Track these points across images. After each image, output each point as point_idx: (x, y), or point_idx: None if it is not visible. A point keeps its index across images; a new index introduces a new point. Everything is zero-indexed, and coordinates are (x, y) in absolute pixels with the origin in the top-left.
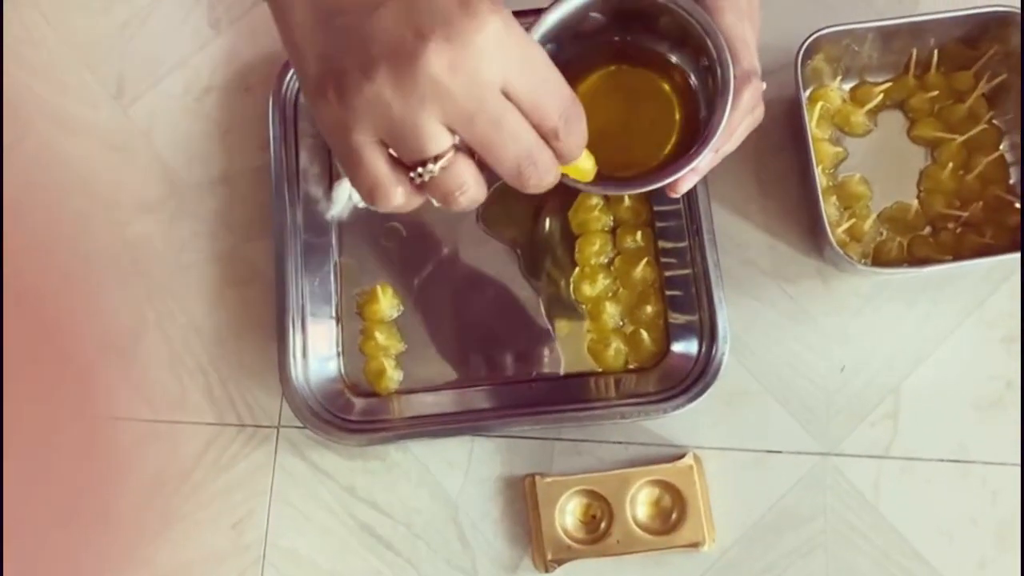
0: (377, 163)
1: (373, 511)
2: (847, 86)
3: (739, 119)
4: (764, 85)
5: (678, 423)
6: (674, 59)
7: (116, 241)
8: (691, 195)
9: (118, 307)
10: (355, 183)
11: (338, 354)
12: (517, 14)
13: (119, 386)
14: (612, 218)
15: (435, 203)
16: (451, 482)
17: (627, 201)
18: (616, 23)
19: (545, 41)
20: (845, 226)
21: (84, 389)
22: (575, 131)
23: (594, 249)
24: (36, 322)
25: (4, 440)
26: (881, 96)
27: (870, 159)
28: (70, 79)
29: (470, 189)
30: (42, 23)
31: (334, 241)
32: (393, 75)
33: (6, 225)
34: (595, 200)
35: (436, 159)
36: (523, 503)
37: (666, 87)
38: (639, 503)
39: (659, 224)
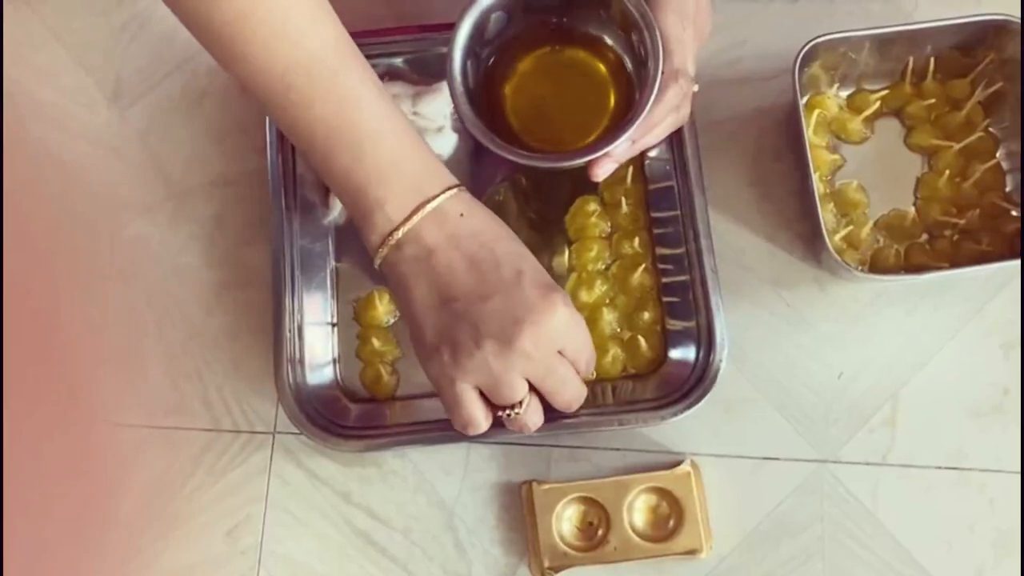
0: (474, 406)
1: (369, 517)
2: (844, 93)
3: (661, 115)
4: (696, 88)
5: (675, 430)
6: (615, 45)
7: (114, 244)
8: (689, 201)
9: (115, 310)
10: (454, 418)
11: (334, 360)
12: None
13: (116, 390)
14: (609, 224)
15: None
16: (447, 489)
17: (624, 207)
18: (565, 3)
19: (495, 8)
20: (842, 233)
21: (82, 393)
22: (591, 369)
23: (591, 255)
24: (32, 326)
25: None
26: (878, 103)
27: (867, 166)
28: (68, 81)
29: (537, 422)
30: (40, 25)
31: (331, 247)
32: (496, 348)
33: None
34: (592, 206)
35: (519, 404)
36: (520, 510)
37: (604, 71)
38: (636, 510)
39: (657, 230)
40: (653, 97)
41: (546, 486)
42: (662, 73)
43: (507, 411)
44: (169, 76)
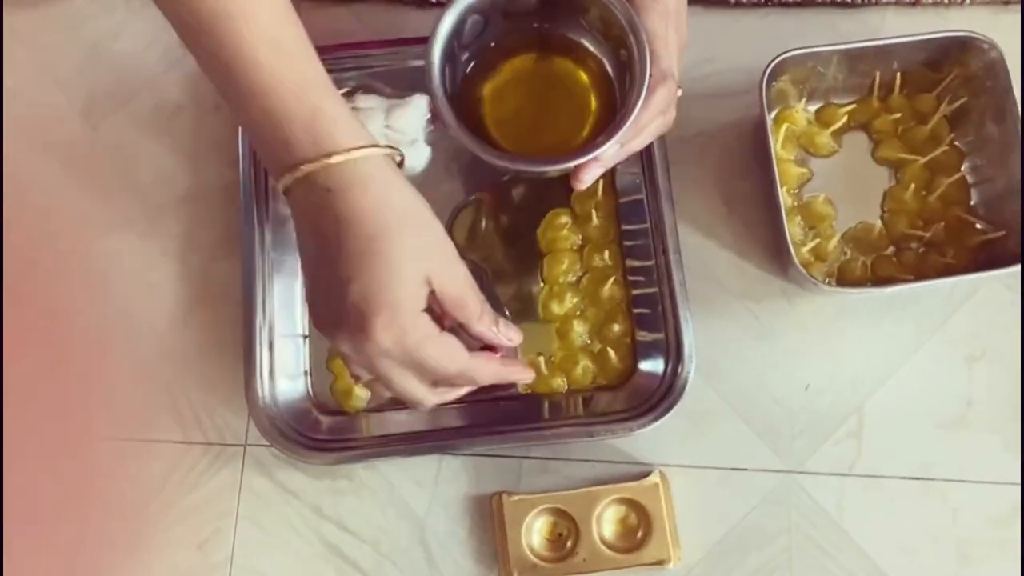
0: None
1: (340, 531)
2: (812, 108)
3: (649, 117)
4: (680, 91)
5: (644, 441)
6: (595, 51)
7: (84, 260)
8: (658, 214)
9: (85, 325)
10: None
11: (305, 372)
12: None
13: (85, 404)
14: (580, 236)
15: None
16: (418, 501)
17: (595, 220)
18: (544, 9)
19: (472, 12)
20: (810, 246)
21: (51, 407)
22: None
23: (562, 268)
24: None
25: None
26: (846, 118)
27: (835, 180)
28: (39, 97)
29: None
30: (12, 41)
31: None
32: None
33: None
34: (564, 219)
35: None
36: (490, 522)
37: (585, 78)
38: (605, 521)
39: (627, 243)
40: (642, 100)
41: (516, 497)
42: (650, 75)
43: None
44: (140, 92)
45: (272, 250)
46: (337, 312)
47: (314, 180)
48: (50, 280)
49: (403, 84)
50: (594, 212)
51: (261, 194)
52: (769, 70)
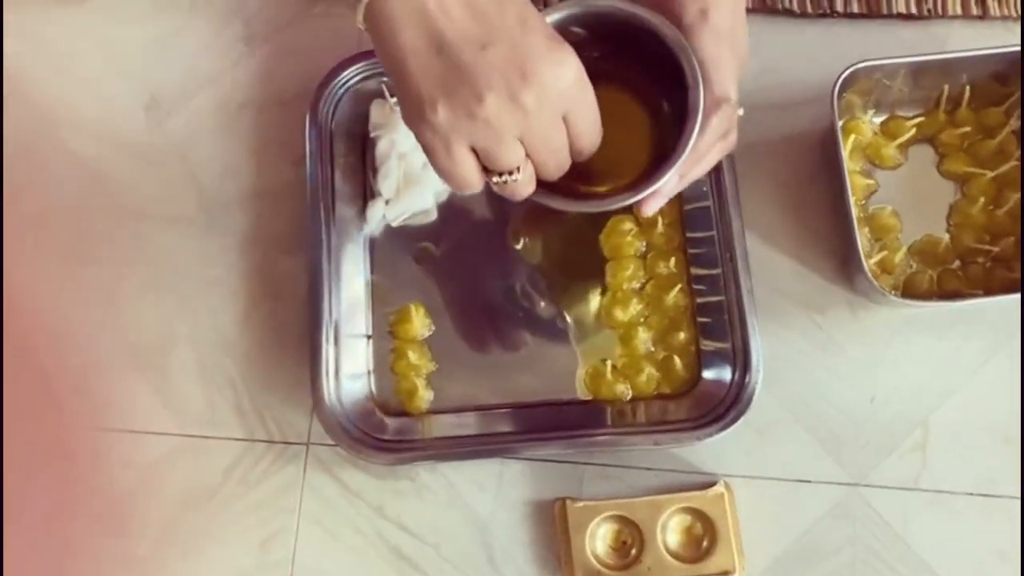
0: (470, 168)
1: (402, 532)
2: (878, 119)
3: (707, 145)
4: (741, 111)
5: (707, 450)
6: (651, 79)
7: (147, 254)
8: (725, 221)
9: (148, 320)
10: (448, 181)
11: (368, 372)
12: None
13: (147, 400)
14: (644, 243)
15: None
16: (481, 505)
17: (660, 227)
18: (596, 39)
19: None
20: (876, 258)
21: (109, 402)
22: (593, 148)
23: (627, 274)
24: (63, 334)
25: (11, 451)
26: (913, 130)
27: (900, 192)
28: (105, 91)
29: (529, 190)
30: (80, 35)
31: (367, 259)
32: (499, 104)
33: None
34: (628, 225)
35: (516, 170)
36: (553, 527)
37: (641, 106)
38: (670, 530)
39: (692, 250)
40: (697, 128)
41: (580, 504)
42: (704, 102)
43: (502, 176)
44: (205, 88)
45: (337, 249)
46: (499, 68)
47: None
48: (110, 274)
49: None
50: (660, 219)
51: (327, 192)
52: (840, 81)
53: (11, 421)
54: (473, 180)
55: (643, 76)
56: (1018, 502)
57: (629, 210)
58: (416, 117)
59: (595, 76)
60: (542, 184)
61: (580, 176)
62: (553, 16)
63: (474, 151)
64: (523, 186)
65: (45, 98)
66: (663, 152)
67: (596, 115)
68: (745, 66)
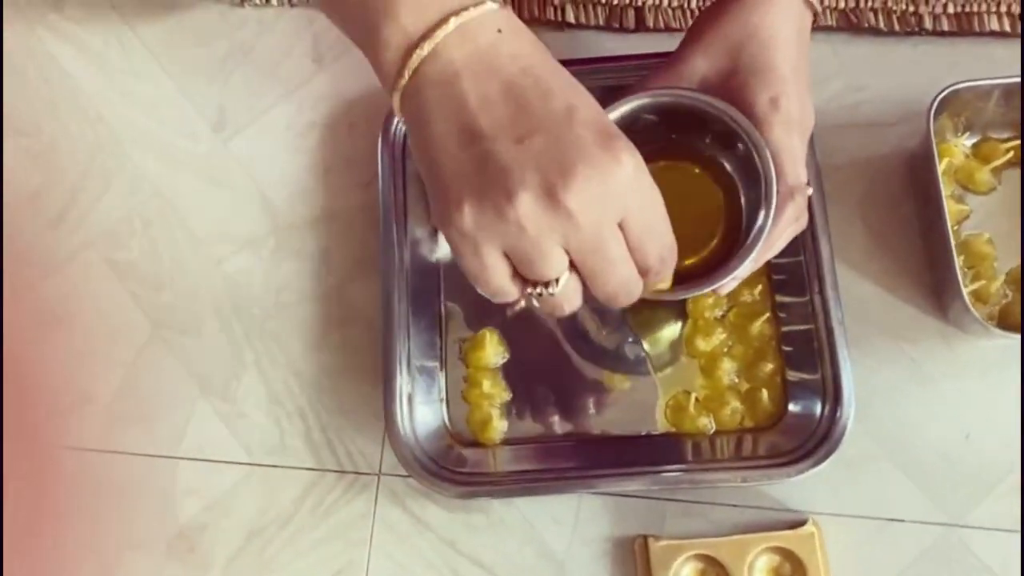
0: (503, 276)
1: (475, 567)
2: (969, 142)
3: (780, 232)
4: (811, 191)
5: (793, 486)
6: (723, 160)
7: (214, 277)
8: (814, 248)
9: (215, 345)
10: (478, 285)
11: (441, 401)
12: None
13: (213, 426)
14: None
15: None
16: (557, 541)
17: None
18: (667, 123)
19: None
20: (972, 287)
21: (174, 428)
22: (666, 271)
23: (708, 302)
24: (123, 356)
25: (78, 484)
26: (1011, 154)
27: (993, 218)
28: (170, 111)
29: (574, 304)
30: (145, 53)
31: (440, 283)
32: (534, 205)
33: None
34: None
35: (555, 282)
36: (633, 566)
37: (715, 186)
38: (757, 570)
39: (777, 277)
40: (771, 218)
41: (663, 542)
42: (778, 191)
43: (538, 288)
44: (273, 107)
45: (411, 274)
46: (537, 162)
47: (471, 30)
48: (176, 297)
49: None
50: None
51: (400, 215)
52: (936, 103)
53: (79, 454)
54: (506, 288)
55: (718, 155)
56: None
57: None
58: (443, 216)
59: (667, 154)
60: None
61: None
62: (622, 108)
63: (508, 256)
64: (566, 301)
65: (110, 116)
66: (735, 232)
67: (661, 222)
68: (809, 135)
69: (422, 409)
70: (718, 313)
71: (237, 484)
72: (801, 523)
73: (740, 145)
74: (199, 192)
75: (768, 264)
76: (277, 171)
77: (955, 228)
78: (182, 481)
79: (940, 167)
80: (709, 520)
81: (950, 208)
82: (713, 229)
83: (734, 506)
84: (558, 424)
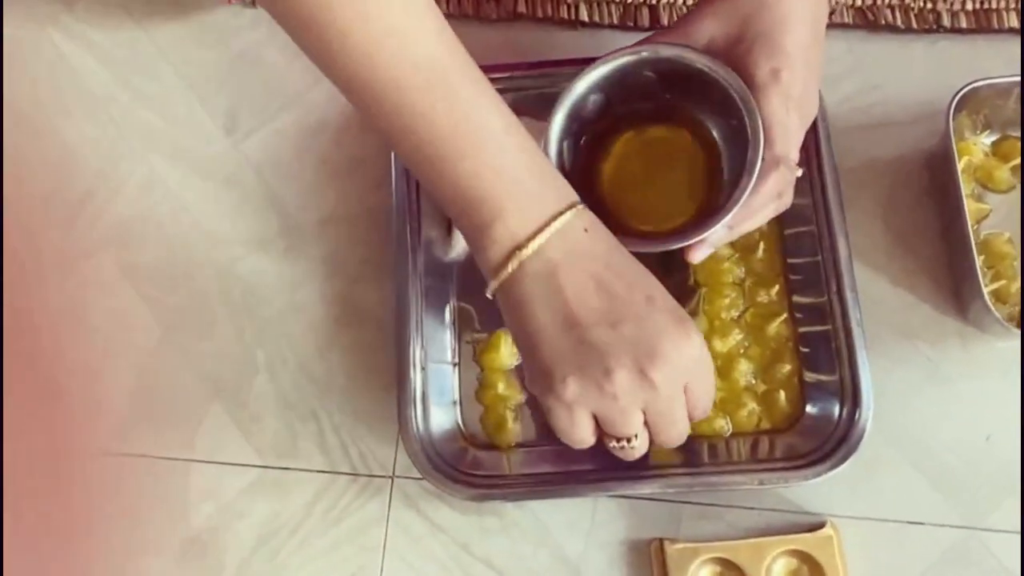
0: (588, 431)
1: (490, 571)
2: (988, 140)
3: (760, 203)
4: (799, 172)
5: (811, 489)
6: (712, 125)
7: (224, 278)
8: (832, 248)
9: (227, 347)
10: (562, 437)
11: (455, 403)
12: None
13: (225, 430)
14: (743, 269)
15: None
16: (572, 544)
17: (760, 253)
18: (667, 83)
19: (594, 91)
20: (992, 287)
21: (183, 432)
22: (705, 415)
23: (725, 303)
24: (134, 358)
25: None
26: None
27: (1013, 216)
28: (182, 111)
29: (643, 451)
30: (156, 54)
31: (452, 285)
32: (628, 380)
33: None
34: (725, 250)
35: (634, 437)
36: (649, 569)
37: (703, 152)
38: (775, 574)
39: (793, 277)
40: (752, 184)
41: (679, 545)
42: (763, 160)
43: (620, 442)
44: (284, 109)
45: (424, 275)
46: (629, 345)
47: (565, 232)
48: (187, 298)
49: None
50: (760, 244)
51: (413, 216)
52: (955, 101)
53: (90, 457)
54: (588, 440)
55: (709, 123)
56: None
57: None
58: (545, 387)
59: (662, 116)
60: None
61: (634, 213)
62: (626, 58)
63: (594, 415)
64: (638, 452)
65: (122, 117)
66: (717, 200)
67: (713, 385)
68: (809, 123)
69: (436, 411)
70: (734, 314)
71: (249, 487)
72: (819, 526)
73: (734, 120)
74: (210, 194)
75: (785, 264)
76: (289, 172)
77: (975, 227)
78: (194, 484)
79: (959, 166)
80: (725, 522)
81: (969, 207)
82: (697, 192)
83: (751, 509)
84: None
